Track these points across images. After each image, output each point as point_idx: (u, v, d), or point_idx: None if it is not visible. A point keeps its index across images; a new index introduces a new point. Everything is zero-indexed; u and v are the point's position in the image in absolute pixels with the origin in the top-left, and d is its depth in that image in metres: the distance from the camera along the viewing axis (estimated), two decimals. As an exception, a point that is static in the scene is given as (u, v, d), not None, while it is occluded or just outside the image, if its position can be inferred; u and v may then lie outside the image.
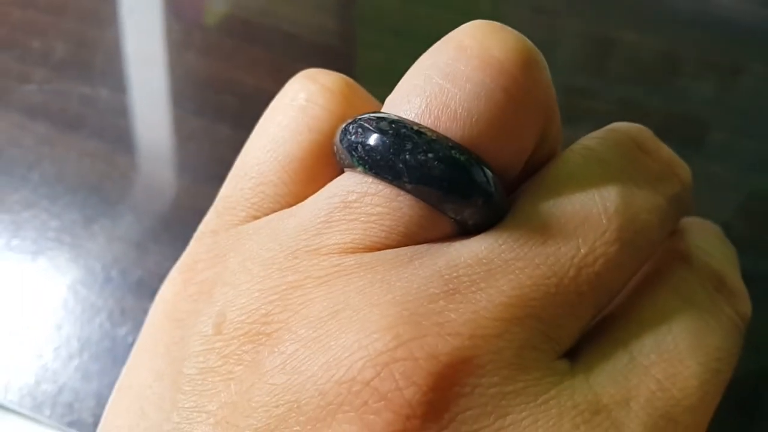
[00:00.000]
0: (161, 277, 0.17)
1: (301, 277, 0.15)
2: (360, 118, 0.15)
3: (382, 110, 0.16)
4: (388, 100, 0.16)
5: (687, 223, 0.19)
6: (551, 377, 0.14)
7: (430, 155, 0.14)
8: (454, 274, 0.14)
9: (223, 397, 0.14)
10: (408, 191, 0.15)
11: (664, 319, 0.16)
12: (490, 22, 0.16)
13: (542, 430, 0.14)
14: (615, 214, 0.15)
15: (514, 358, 0.14)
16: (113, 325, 0.25)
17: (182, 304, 0.16)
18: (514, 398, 0.14)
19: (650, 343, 0.16)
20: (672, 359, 0.15)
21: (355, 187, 0.15)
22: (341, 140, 0.15)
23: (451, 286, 0.14)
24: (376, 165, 0.15)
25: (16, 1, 0.36)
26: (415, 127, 0.15)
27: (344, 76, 0.18)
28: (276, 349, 0.14)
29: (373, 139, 0.15)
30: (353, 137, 0.15)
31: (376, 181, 0.15)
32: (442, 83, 0.15)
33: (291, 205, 0.16)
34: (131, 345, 0.24)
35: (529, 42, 0.16)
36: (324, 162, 0.17)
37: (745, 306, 0.18)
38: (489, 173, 0.15)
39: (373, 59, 0.33)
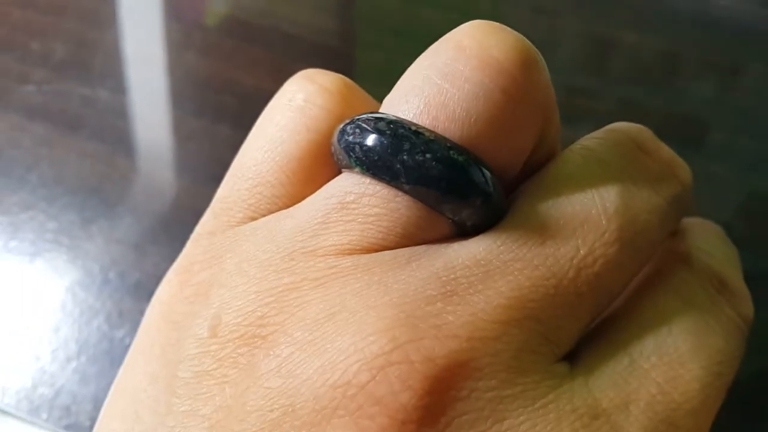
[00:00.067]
0: (160, 279, 0.17)
1: (298, 279, 0.14)
2: (358, 119, 0.15)
3: (381, 111, 0.16)
4: (387, 100, 0.16)
5: (688, 224, 0.19)
6: (550, 380, 0.14)
7: (428, 156, 0.14)
8: (452, 276, 0.14)
9: (217, 401, 0.14)
10: (406, 192, 0.15)
11: (664, 321, 0.16)
12: (489, 22, 0.16)
13: None
14: (614, 214, 0.15)
15: (512, 361, 0.14)
16: (111, 327, 0.25)
17: (178, 305, 0.16)
18: (511, 402, 0.13)
19: (650, 346, 0.15)
20: (673, 362, 0.15)
21: (352, 187, 0.15)
22: (339, 140, 0.15)
23: (448, 287, 0.14)
24: (374, 165, 0.15)
25: (16, 2, 0.36)
26: (413, 128, 0.14)
27: (342, 77, 0.18)
28: (271, 352, 0.14)
29: (370, 140, 0.15)
30: (351, 137, 0.15)
31: (374, 181, 0.15)
32: (441, 83, 0.15)
33: (289, 206, 0.16)
34: (129, 347, 0.24)
35: (528, 42, 0.15)
36: (322, 162, 0.16)
37: (747, 307, 0.17)
38: (487, 174, 0.15)
39: (373, 59, 0.33)
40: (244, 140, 0.18)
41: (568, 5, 0.34)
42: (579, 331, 0.15)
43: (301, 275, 0.15)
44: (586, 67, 0.32)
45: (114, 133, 0.30)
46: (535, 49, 0.16)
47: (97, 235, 0.27)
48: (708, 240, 0.19)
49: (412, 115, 0.15)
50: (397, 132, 0.14)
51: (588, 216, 0.15)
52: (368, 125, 0.15)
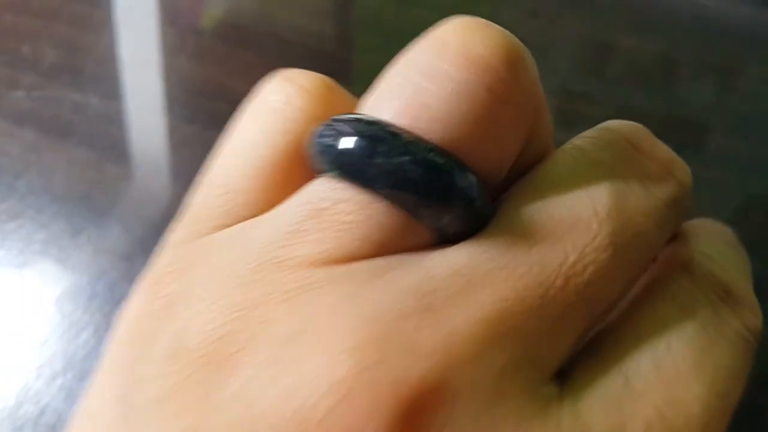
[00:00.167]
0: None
1: (266, 293, 0.13)
2: (334, 120, 0.14)
3: (358, 111, 0.15)
4: (365, 100, 0.15)
5: (691, 227, 0.18)
6: (535, 405, 0.13)
7: (405, 158, 0.13)
8: (430, 288, 0.13)
9: (178, 426, 0.13)
10: (383, 197, 0.14)
11: (662, 335, 0.15)
12: (474, 18, 0.15)
13: None
14: (607, 217, 0.14)
15: (493, 384, 0.13)
16: (99, 342, 0.24)
17: (143, 321, 0.15)
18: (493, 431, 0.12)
19: (647, 364, 0.14)
20: (672, 382, 0.14)
21: (327, 193, 0.14)
22: (313, 143, 0.15)
23: (425, 301, 0.13)
24: (349, 169, 0.14)
25: (6, 5, 0.35)
26: (391, 129, 0.14)
27: (323, 77, 0.17)
28: (234, 375, 0.13)
29: (345, 142, 0.14)
30: (325, 140, 0.14)
31: (349, 186, 0.14)
32: (422, 82, 0.14)
33: (262, 213, 0.15)
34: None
35: (514, 38, 0.15)
36: (299, 167, 0.16)
37: (755, 318, 0.16)
38: (471, 177, 0.14)
39: (370, 64, 0.32)
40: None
41: (566, 9, 0.33)
42: (569, 347, 0.14)
43: (269, 288, 0.14)
44: (583, 70, 0.31)
45: (105, 139, 0.30)
46: (522, 46, 0.15)
47: (87, 245, 0.26)
48: (712, 244, 0.17)
49: (391, 115, 0.14)
50: (374, 133, 0.14)
51: (578, 219, 0.14)
52: (344, 127, 0.14)
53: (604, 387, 0.14)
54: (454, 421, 0.12)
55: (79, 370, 0.23)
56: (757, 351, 0.16)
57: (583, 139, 0.16)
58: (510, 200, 0.15)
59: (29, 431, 0.22)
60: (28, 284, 0.25)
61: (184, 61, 0.32)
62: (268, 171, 0.16)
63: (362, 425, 0.12)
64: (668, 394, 0.14)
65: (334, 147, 0.14)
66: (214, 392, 0.13)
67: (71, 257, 0.26)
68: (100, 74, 0.32)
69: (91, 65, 0.32)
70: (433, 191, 0.14)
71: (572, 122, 0.28)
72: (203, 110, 0.31)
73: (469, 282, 0.13)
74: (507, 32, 0.15)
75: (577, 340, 0.14)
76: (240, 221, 0.15)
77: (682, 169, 0.17)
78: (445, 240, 0.14)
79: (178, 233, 0.16)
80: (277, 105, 0.16)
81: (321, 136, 0.14)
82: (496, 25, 0.15)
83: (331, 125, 0.14)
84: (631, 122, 0.17)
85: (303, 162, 0.15)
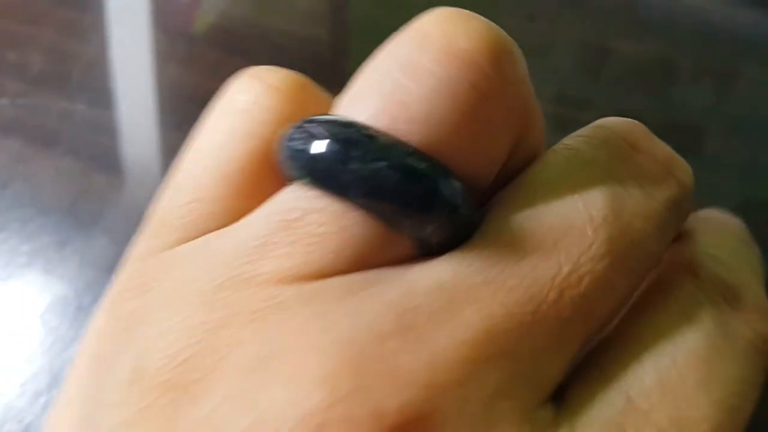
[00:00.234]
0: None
1: (231, 313, 0.12)
2: (305, 122, 0.13)
3: (332, 112, 0.14)
4: (339, 100, 0.14)
5: (696, 221, 0.16)
6: (530, 431, 0.12)
7: (382, 163, 0.12)
8: (410, 306, 0.12)
9: None
10: (358, 206, 0.13)
11: (665, 347, 0.13)
12: (457, 9, 0.13)
13: None
14: (603, 223, 0.13)
15: (483, 411, 0.12)
16: (85, 357, 0.23)
17: (104, 342, 0.14)
18: None
19: (650, 380, 0.13)
20: (678, 399, 0.13)
21: (297, 202, 0.13)
22: (283, 147, 0.13)
23: (405, 320, 0.12)
24: (321, 176, 0.13)
25: (-8, 12, 0.35)
26: (367, 131, 0.12)
27: (296, 74, 0.15)
28: (197, 404, 0.12)
29: (316, 146, 0.13)
30: (295, 144, 0.13)
31: (322, 195, 0.13)
32: (400, 79, 0.13)
33: (229, 224, 0.14)
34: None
35: (501, 31, 0.13)
36: (269, 174, 0.14)
37: (767, 324, 0.15)
38: (455, 183, 0.13)
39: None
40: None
41: (563, 13, 0.33)
42: (565, 365, 0.13)
43: (235, 308, 0.12)
44: (580, 75, 0.31)
45: (92, 148, 0.29)
46: (510, 39, 0.13)
47: (73, 257, 0.26)
48: (719, 241, 0.16)
49: (367, 116, 0.13)
50: (348, 136, 0.12)
51: (571, 226, 0.13)
52: (316, 129, 0.13)
53: (604, 407, 0.13)
54: None
55: (64, 388, 0.23)
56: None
57: (576, 139, 0.15)
58: (498, 207, 0.14)
59: (12, 452, 0.22)
60: (13, 298, 0.25)
61: (174, 68, 0.32)
62: (235, 178, 0.14)
63: None
64: (674, 413, 0.13)
65: (304, 151, 0.13)
66: (178, 422, 0.12)
67: (57, 269, 0.25)
68: (88, 81, 0.31)
69: (79, 72, 0.32)
70: (413, 199, 0.12)
71: (567, 127, 0.27)
72: (193, 118, 0.30)
73: (454, 298, 0.12)
74: (492, 24, 0.13)
75: (573, 356, 0.13)
76: (205, 233, 0.14)
77: (683, 169, 0.16)
78: (428, 251, 0.13)
79: (139, 246, 0.15)
80: (244, 105, 0.15)
81: (291, 139, 0.13)
82: (481, 17, 0.13)
83: (302, 127, 0.13)
84: (627, 119, 0.16)
85: (272, 168, 0.14)
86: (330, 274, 0.13)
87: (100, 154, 0.29)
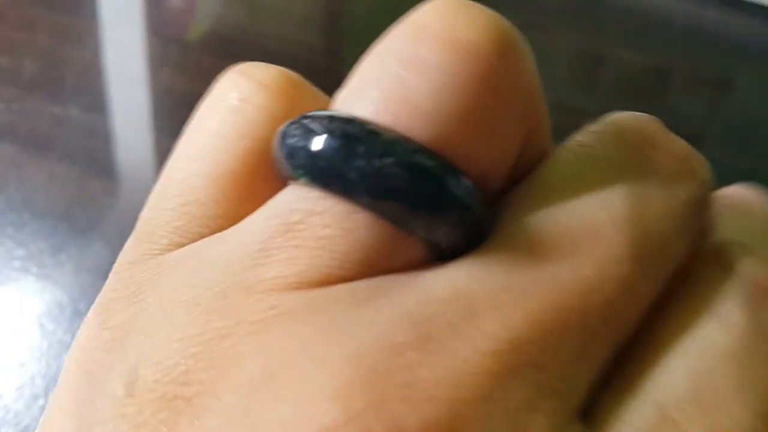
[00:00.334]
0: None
1: (231, 323, 0.12)
2: (302, 118, 0.12)
3: (331, 108, 0.13)
4: (338, 96, 0.13)
5: (723, 203, 0.15)
6: None
7: (388, 160, 0.12)
8: (426, 315, 0.11)
9: None
10: (364, 207, 0.12)
11: (695, 350, 0.13)
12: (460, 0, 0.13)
13: None
14: (625, 223, 0.13)
15: (508, 426, 0.11)
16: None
17: (95, 353, 0.13)
18: None
19: (683, 389, 0.12)
20: (712, 407, 0.12)
21: (298, 204, 0.12)
22: (280, 145, 0.12)
23: (422, 331, 0.11)
24: (323, 175, 0.12)
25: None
26: (369, 127, 0.12)
27: (286, 70, 0.14)
28: (196, 422, 0.11)
29: (317, 143, 0.12)
30: (293, 141, 0.12)
31: (325, 195, 0.12)
32: (401, 72, 0.12)
33: (223, 229, 0.13)
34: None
35: (506, 21, 0.13)
36: (263, 174, 0.13)
37: None
38: (465, 182, 0.12)
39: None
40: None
41: (559, 22, 0.33)
42: (592, 376, 0.12)
43: (235, 318, 0.12)
44: (576, 83, 0.31)
45: (86, 154, 0.29)
46: (516, 30, 0.13)
47: (67, 263, 0.26)
48: (747, 226, 0.15)
49: (367, 112, 0.12)
50: (351, 132, 0.12)
51: (590, 227, 0.12)
52: (315, 124, 0.12)
53: (636, 420, 0.12)
54: None
55: (61, 392, 0.23)
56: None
57: (588, 135, 0.14)
58: (511, 208, 0.13)
59: (8, 456, 0.22)
60: (8, 303, 0.25)
61: (169, 73, 0.32)
62: (228, 180, 0.14)
63: None
64: (709, 423, 0.12)
65: (303, 149, 0.12)
66: None
67: (51, 275, 0.25)
68: (82, 86, 0.31)
69: (73, 77, 0.32)
70: (423, 199, 0.12)
71: (564, 136, 0.27)
72: (187, 123, 0.30)
73: (473, 306, 0.12)
74: (497, 14, 0.13)
75: (600, 366, 0.12)
76: (198, 238, 0.14)
77: (701, 163, 0.15)
78: (439, 255, 0.13)
79: (127, 253, 0.14)
80: (234, 103, 0.14)
81: (288, 136, 0.12)
82: (484, 6, 0.13)
83: (299, 123, 0.12)
84: (640, 114, 0.15)
85: (267, 168, 0.13)
86: (336, 280, 0.12)
87: (94, 159, 0.29)
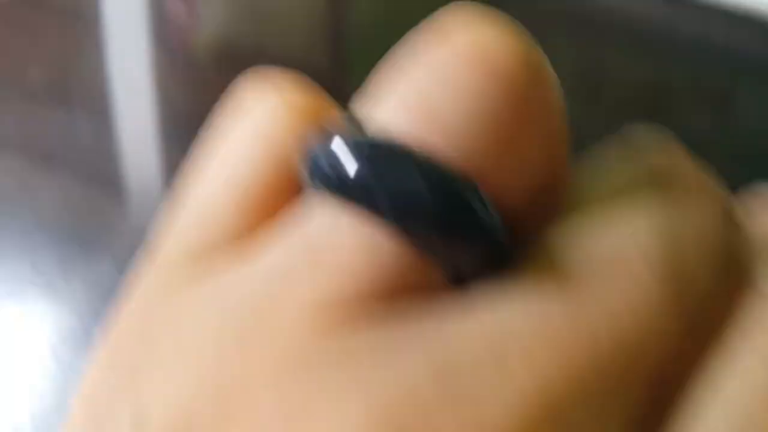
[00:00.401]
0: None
1: (246, 364, 0.11)
2: (328, 135, 0.12)
3: (353, 122, 0.13)
4: (360, 111, 0.13)
5: (750, 215, 0.14)
6: None
7: (419, 183, 0.11)
8: (452, 363, 0.11)
9: None
10: (391, 231, 0.12)
11: (745, 399, 0.12)
12: (484, 11, 0.13)
13: None
14: (657, 260, 0.12)
15: None
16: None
17: (102, 393, 0.13)
18: None
19: None
20: None
21: (322, 228, 0.12)
22: (308, 167, 0.12)
23: (448, 382, 0.11)
24: (350, 195, 0.12)
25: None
26: (398, 147, 0.11)
27: (301, 78, 0.14)
28: None
29: (343, 162, 0.12)
30: (320, 159, 0.12)
31: (350, 216, 0.12)
32: (430, 87, 0.12)
33: (243, 253, 0.13)
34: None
35: (532, 43, 0.12)
36: (284, 190, 0.13)
37: None
38: (493, 209, 0.12)
39: (367, 86, 0.32)
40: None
41: (559, 34, 0.33)
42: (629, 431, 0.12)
43: (251, 358, 0.12)
44: (576, 97, 0.31)
45: (93, 167, 0.29)
46: (542, 53, 0.13)
47: (75, 279, 0.25)
48: None
49: (396, 130, 0.12)
50: (380, 151, 0.12)
51: (624, 263, 0.12)
52: (340, 143, 0.12)
53: None
54: None
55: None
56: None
57: (607, 159, 0.14)
58: (536, 238, 0.13)
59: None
60: (14, 321, 0.24)
61: (175, 85, 0.31)
62: (252, 203, 0.13)
63: None
64: None
65: (331, 168, 0.12)
66: None
67: (61, 292, 0.25)
68: (89, 97, 0.31)
69: (79, 88, 0.32)
70: (453, 225, 0.12)
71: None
72: (196, 135, 0.30)
73: (499, 351, 0.11)
74: (527, 38, 0.12)
75: (639, 424, 0.12)
76: (215, 266, 0.13)
77: (723, 195, 0.14)
78: (458, 278, 0.12)
79: (139, 279, 0.14)
80: (252, 115, 0.14)
81: (313, 153, 0.12)
82: (509, 24, 0.13)
83: (324, 140, 0.12)
84: (656, 134, 0.14)
85: (289, 181, 0.13)
86: (357, 305, 0.12)
87: (102, 173, 0.28)
